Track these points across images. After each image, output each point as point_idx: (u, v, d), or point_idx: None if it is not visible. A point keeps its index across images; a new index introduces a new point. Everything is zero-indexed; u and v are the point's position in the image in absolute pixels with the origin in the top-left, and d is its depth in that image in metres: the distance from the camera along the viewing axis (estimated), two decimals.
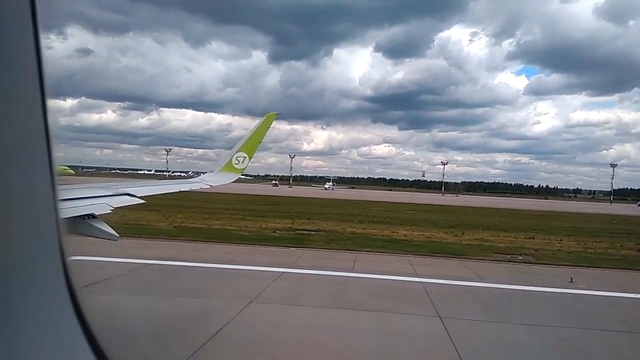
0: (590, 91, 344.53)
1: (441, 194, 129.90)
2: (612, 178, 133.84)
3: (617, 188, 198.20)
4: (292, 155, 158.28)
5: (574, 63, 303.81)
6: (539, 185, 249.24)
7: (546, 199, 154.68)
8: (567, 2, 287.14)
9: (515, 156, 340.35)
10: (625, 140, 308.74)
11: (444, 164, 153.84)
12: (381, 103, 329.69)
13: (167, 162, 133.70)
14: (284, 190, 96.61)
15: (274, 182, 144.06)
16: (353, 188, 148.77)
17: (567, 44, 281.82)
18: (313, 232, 20.25)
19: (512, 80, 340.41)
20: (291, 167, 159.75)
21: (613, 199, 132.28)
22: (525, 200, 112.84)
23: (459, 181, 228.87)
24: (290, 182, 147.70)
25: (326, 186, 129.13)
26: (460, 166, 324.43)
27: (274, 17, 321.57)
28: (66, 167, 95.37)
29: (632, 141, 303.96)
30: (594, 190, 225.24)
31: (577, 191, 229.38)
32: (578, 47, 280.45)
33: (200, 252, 13.38)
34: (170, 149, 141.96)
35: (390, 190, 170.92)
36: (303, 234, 19.44)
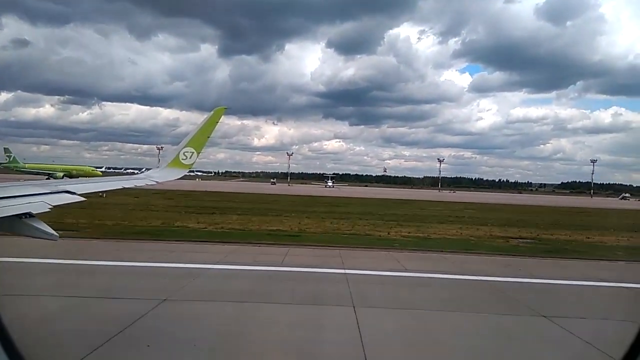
0: (530, 88, 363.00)
1: (438, 190, 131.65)
2: (593, 173, 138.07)
3: (566, 181, 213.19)
4: (290, 153, 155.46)
5: (516, 61, 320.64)
6: (507, 180, 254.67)
7: (520, 193, 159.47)
8: (511, 2, 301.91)
9: (459, 151, 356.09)
10: (561, 135, 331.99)
11: (440, 161, 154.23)
12: (332, 99, 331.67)
13: (159, 161, 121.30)
14: (289, 188, 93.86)
15: (272, 180, 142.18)
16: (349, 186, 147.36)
17: (509, 43, 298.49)
18: (532, 240, 19.73)
19: (457, 78, 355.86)
20: (289, 166, 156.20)
21: (570, 192, 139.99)
22: (515, 195, 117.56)
23: (421, 176, 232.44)
24: (289, 179, 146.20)
25: (330, 184, 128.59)
26: (407, 161, 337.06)
27: (224, 11, 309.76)
28: (94, 168, 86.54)
29: (568, 136, 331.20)
30: (544, 184, 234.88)
31: (528, 184, 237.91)
32: (519, 46, 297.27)
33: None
34: (161, 147, 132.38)
35: (367, 186, 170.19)
36: (532, 243, 18.80)
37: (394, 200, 55.89)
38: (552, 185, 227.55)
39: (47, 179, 73.70)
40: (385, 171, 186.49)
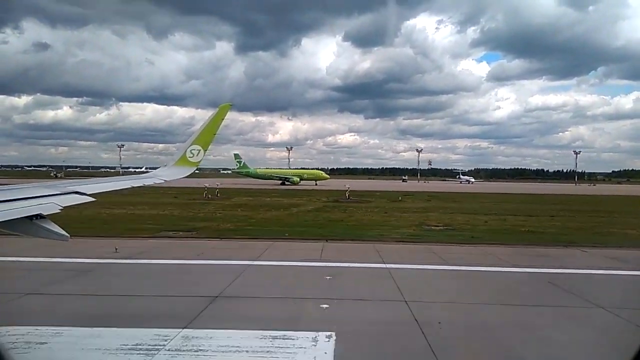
0: (550, 76, 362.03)
1: (574, 184, 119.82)
2: None
3: (617, 170, 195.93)
4: (419, 150, 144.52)
5: (536, 49, 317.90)
6: (562, 170, 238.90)
7: (619, 183, 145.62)
8: None
9: (475, 141, 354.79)
10: (580, 122, 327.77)
11: (576, 153, 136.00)
12: (348, 92, 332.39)
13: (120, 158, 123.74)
14: (432, 185, 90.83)
15: (403, 177, 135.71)
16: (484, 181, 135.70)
17: (529, 30, 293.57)
18: None
19: (474, 67, 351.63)
20: (418, 162, 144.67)
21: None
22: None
23: (467, 169, 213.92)
24: (419, 176, 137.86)
25: (471, 180, 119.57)
26: (423, 153, 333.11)
27: (241, 7, 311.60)
28: (322, 172, 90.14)
29: (587, 123, 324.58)
30: (593, 172, 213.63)
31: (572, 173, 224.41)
32: (540, 33, 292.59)
33: None
34: (123, 145, 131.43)
35: (440, 180, 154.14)
36: None
37: (616, 197, 54.16)
38: (601, 174, 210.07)
39: (281, 183, 77.44)
40: (429, 164, 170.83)
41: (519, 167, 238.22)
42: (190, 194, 43.20)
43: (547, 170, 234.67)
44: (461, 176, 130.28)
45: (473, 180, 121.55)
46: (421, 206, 35.41)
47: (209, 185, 42.68)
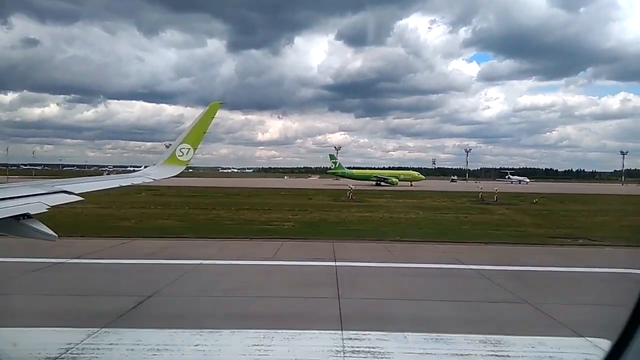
0: (540, 76, 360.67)
1: (621, 184, 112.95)
2: None
3: (617, 169, 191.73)
4: (467, 150, 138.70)
5: (526, 49, 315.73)
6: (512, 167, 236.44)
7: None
8: None
9: (463, 141, 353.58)
10: (568, 122, 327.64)
11: (623, 154, 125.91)
12: (340, 91, 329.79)
13: None
14: (490, 185, 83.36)
15: (453, 177, 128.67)
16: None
17: (520, 31, 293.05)
18: None
19: (465, 67, 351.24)
20: (467, 162, 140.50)
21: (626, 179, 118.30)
22: None
23: (456, 167, 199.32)
24: (467, 177, 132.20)
25: (525, 180, 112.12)
26: (411, 152, 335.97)
27: (234, 4, 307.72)
28: (418, 173, 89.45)
29: (574, 123, 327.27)
30: (597, 171, 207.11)
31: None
32: (531, 34, 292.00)
33: None
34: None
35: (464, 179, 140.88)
36: None
37: None
38: (604, 173, 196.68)
39: (376, 184, 77.17)
40: (433, 163, 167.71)
41: (528, 167, 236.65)
42: (323, 195, 44.33)
43: (557, 170, 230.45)
44: (511, 176, 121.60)
45: (528, 180, 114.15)
46: (590, 209, 33.95)
47: (352, 186, 45.28)
